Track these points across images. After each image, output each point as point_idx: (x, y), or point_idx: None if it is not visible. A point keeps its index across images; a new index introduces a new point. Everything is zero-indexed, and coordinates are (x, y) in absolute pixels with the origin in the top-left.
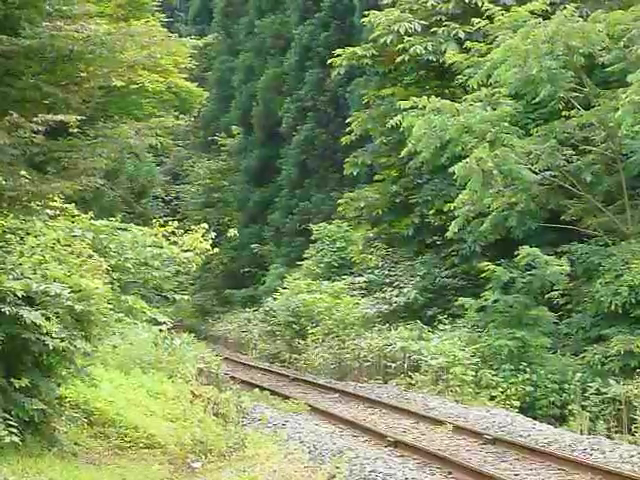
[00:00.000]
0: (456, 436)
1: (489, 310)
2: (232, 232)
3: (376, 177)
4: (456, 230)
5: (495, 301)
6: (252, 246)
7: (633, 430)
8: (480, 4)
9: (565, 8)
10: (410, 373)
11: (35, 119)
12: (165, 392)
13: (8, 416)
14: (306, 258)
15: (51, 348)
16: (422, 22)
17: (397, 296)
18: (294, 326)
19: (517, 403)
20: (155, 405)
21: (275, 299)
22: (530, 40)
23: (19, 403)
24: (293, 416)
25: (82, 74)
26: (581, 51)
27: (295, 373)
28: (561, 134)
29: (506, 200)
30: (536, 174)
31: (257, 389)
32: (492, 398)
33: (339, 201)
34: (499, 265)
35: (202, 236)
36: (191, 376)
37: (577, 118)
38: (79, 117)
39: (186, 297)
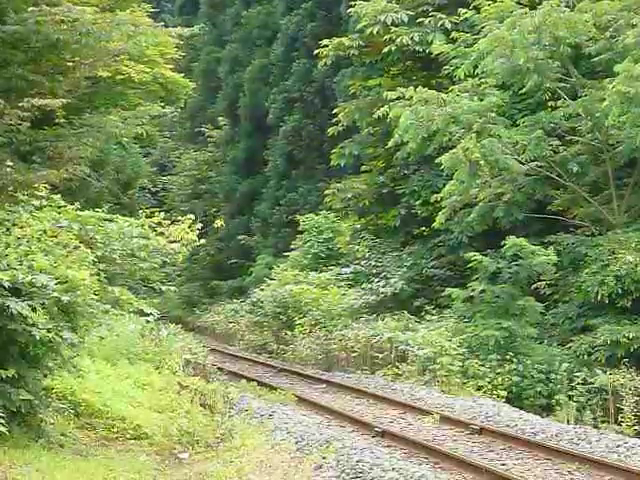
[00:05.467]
0: (443, 426)
1: (476, 300)
2: (219, 223)
3: (363, 168)
4: (443, 221)
5: (482, 291)
6: (239, 237)
7: (619, 420)
8: None
9: None
10: (397, 363)
11: (21, 104)
12: (152, 383)
13: None
14: (293, 249)
15: (37, 339)
16: (408, 12)
17: (384, 287)
18: (281, 317)
19: (504, 393)
20: (142, 396)
21: (262, 290)
22: (517, 30)
23: (5, 394)
24: (280, 407)
25: (68, 64)
26: (568, 41)
27: (282, 364)
28: (548, 124)
29: (493, 191)
30: (523, 164)
31: (244, 380)
32: (479, 388)
33: (326, 192)
34: (486, 255)
35: (189, 227)
36: (178, 367)
37: (564, 108)
38: (65, 101)
39: (173, 288)
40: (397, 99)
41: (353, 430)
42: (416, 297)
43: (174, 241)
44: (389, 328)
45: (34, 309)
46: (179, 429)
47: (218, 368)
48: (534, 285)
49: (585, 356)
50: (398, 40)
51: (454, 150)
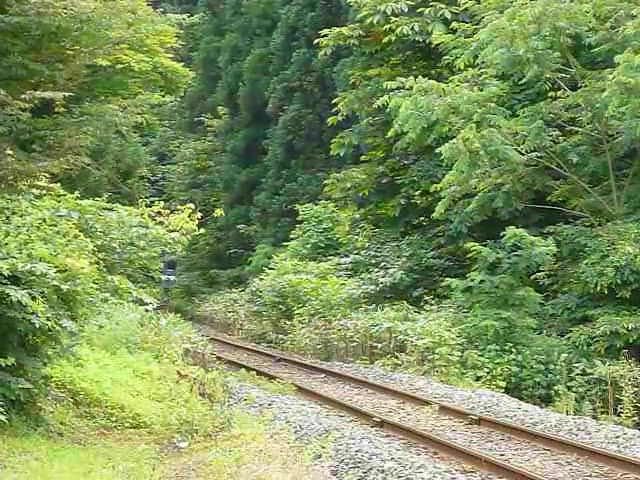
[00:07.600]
0: (442, 416)
1: (475, 291)
2: (218, 212)
3: (362, 158)
4: (442, 211)
5: (481, 282)
6: (238, 226)
7: (619, 411)
8: None
9: None
10: (396, 353)
11: (22, 96)
12: (151, 372)
13: None
14: (292, 239)
15: (37, 327)
16: (408, 2)
17: (383, 277)
18: (280, 307)
19: (503, 383)
20: (141, 385)
21: (261, 280)
22: (517, 21)
23: (5, 382)
24: (279, 396)
25: (68, 52)
26: (568, 32)
27: (281, 353)
28: (547, 115)
29: (492, 181)
30: (522, 155)
31: (243, 369)
32: (478, 378)
33: (325, 182)
34: (485, 246)
35: (188, 216)
36: (177, 356)
37: (563, 99)
38: (66, 94)
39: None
40: (397, 89)
41: (352, 420)
42: (415, 287)
43: (173, 230)
44: (388, 318)
45: (33, 297)
46: (178, 418)
47: (217, 357)
48: (533, 275)
49: (584, 347)
50: (398, 30)
51: (454, 140)
